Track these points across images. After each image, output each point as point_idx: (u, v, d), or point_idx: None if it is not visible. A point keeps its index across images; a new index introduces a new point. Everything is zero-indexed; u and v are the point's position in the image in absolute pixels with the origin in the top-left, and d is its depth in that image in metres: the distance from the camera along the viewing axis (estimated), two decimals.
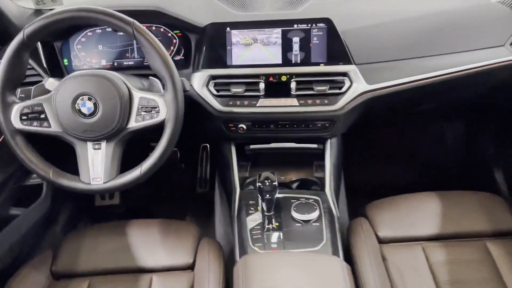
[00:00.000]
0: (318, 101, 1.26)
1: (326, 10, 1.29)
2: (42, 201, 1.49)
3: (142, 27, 1.03)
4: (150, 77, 1.19)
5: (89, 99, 1.03)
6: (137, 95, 1.06)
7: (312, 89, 1.25)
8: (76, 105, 1.03)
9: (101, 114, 1.03)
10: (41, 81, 1.22)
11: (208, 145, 1.98)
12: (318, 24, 1.25)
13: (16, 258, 1.38)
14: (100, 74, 1.05)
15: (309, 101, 1.26)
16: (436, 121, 1.88)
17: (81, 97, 1.03)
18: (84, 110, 1.03)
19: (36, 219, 1.46)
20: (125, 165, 1.12)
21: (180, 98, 1.05)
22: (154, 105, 1.05)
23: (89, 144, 1.07)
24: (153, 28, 1.35)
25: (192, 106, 1.28)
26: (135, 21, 1.03)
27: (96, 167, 1.07)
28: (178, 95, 1.04)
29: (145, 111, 1.06)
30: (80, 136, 1.06)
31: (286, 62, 1.27)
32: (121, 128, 1.06)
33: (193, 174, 2.00)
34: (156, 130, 1.09)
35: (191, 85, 1.28)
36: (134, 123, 1.06)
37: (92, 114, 1.04)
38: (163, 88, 1.09)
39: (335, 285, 0.92)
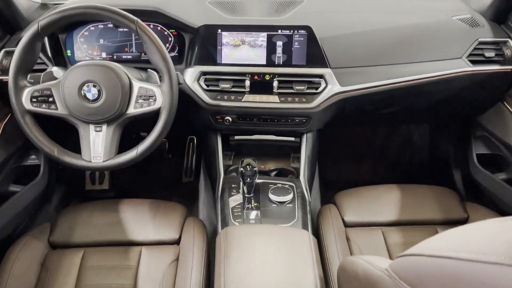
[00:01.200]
0: (297, 99, 1.41)
1: (307, 19, 1.45)
2: (39, 180, 1.60)
3: (145, 25, 1.17)
4: (148, 69, 1.32)
5: (94, 86, 1.17)
6: (136, 84, 1.20)
7: (292, 88, 1.41)
8: (82, 91, 1.16)
9: (104, 100, 1.17)
10: (46, 69, 1.35)
11: (194, 137, 2.13)
12: (299, 31, 1.40)
13: (14, 230, 1.50)
14: (105, 64, 1.18)
15: (289, 99, 1.41)
16: (404, 123, 2.07)
17: (86, 84, 1.17)
18: (89, 95, 1.17)
19: (33, 197, 1.58)
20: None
21: (175, 89, 1.19)
22: (152, 94, 1.19)
23: (92, 126, 1.20)
24: (151, 26, 1.48)
25: (183, 99, 1.42)
26: (138, 20, 1.17)
27: (97, 147, 1.20)
28: (173, 86, 1.19)
29: (143, 99, 1.20)
30: (84, 119, 1.19)
31: (270, 63, 1.42)
32: (121, 113, 1.19)
33: (179, 164, 2.14)
34: (151, 118, 1.22)
35: (184, 80, 1.42)
36: (133, 110, 1.20)
37: (96, 100, 1.17)
38: (160, 80, 1.23)
39: (302, 250, 1.07)
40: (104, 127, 1.20)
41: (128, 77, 1.20)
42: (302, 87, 1.40)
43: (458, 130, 1.83)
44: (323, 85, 1.40)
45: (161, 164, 2.13)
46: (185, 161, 2.13)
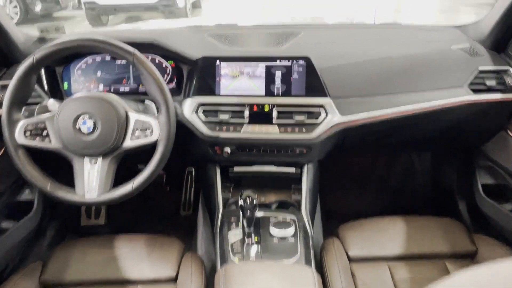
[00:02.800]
0: (297, 130, 1.39)
1: (306, 49, 1.45)
2: (32, 216, 1.55)
3: (142, 56, 1.16)
4: (146, 100, 1.30)
5: (90, 118, 1.14)
6: (133, 116, 1.18)
7: (291, 118, 1.38)
8: (77, 124, 1.14)
9: (100, 132, 1.14)
10: (41, 102, 1.33)
11: (193, 170, 2.09)
12: (298, 61, 1.39)
13: (4, 269, 1.43)
14: (100, 96, 1.16)
15: (289, 129, 1.39)
16: (405, 152, 2.04)
17: (82, 116, 1.14)
18: (84, 128, 1.14)
19: (25, 234, 1.52)
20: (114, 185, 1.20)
21: (172, 121, 1.17)
22: (148, 126, 1.16)
23: (86, 160, 1.17)
24: (149, 58, 1.48)
25: (181, 130, 1.39)
26: (136, 51, 1.15)
27: (91, 181, 1.16)
28: (171, 118, 1.16)
29: (140, 131, 1.17)
30: (79, 152, 1.16)
31: (269, 93, 1.40)
32: (117, 146, 1.16)
33: (177, 197, 2.09)
34: (148, 151, 1.19)
35: (182, 111, 1.40)
36: (129, 142, 1.17)
37: (91, 132, 1.14)
38: (157, 112, 1.20)
39: None
40: (99, 160, 1.17)
41: (124, 109, 1.18)
42: (302, 118, 1.38)
43: (461, 159, 1.80)
44: (323, 115, 1.38)
45: (159, 197, 2.08)
46: (183, 194, 2.08)
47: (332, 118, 1.37)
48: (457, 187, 1.82)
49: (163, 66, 1.48)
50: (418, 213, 1.47)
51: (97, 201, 1.16)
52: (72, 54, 1.32)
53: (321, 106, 1.38)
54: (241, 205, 1.25)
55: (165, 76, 1.49)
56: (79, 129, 1.14)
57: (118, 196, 1.16)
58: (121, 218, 2.04)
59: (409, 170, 2.09)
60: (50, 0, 8.91)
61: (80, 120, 1.14)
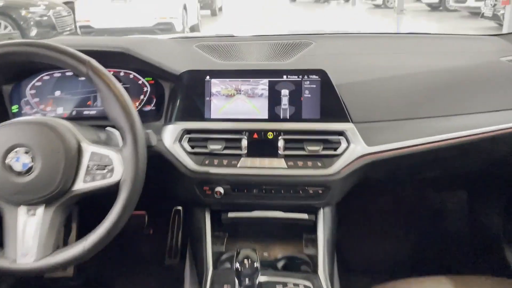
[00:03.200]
0: (309, 164, 1.07)
1: (320, 62, 1.15)
2: None
3: (99, 66, 0.85)
4: (108, 127, 0.99)
5: (26, 152, 0.82)
6: (88, 149, 0.86)
7: (303, 149, 1.07)
8: (7, 160, 0.81)
9: (40, 171, 0.82)
10: None
11: (181, 209, 1.75)
12: (310, 76, 1.09)
13: None
14: (41, 121, 0.84)
15: (299, 163, 1.07)
16: (439, 189, 1.70)
17: (14, 150, 0.82)
18: (17, 166, 0.81)
19: None
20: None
21: (141, 155, 0.85)
22: (108, 163, 0.84)
23: (22, 209, 0.84)
24: (122, 73, 1.17)
25: (160, 164, 1.08)
26: (92, 60, 0.85)
27: (28, 239, 0.83)
28: (138, 150, 0.84)
29: (97, 169, 0.85)
30: (10, 199, 0.83)
31: (273, 117, 1.10)
32: (64, 190, 0.84)
33: (162, 241, 1.74)
34: (112, 194, 0.87)
35: (160, 139, 1.09)
36: (81, 184, 0.85)
37: (27, 172, 0.82)
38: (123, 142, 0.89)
39: None
40: (40, 210, 0.84)
41: (77, 139, 0.86)
42: (317, 148, 1.06)
43: (508, 198, 1.47)
44: (343, 144, 1.06)
45: (139, 242, 1.74)
46: (169, 238, 1.73)
47: (355, 148, 1.06)
48: (504, 234, 1.48)
49: (139, 83, 1.18)
50: (455, 264, 1.13)
51: (33, 268, 0.83)
52: (18, 67, 1.01)
53: (341, 133, 1.07)
54: (237, 269, 0.91)
55: (142, 96, 1.18)
56: (10, 167, 0.82)
57: (64, 261, 0.83)
58: (93, 269, 1.68)
59: (439, 212, 1.74)
60: (46, 25, 8.75)
61: (11, 155, 0.82)
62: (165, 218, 1.76)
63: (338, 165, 1.06)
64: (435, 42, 1.35)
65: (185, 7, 7.88)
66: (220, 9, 14.65)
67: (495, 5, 8.25)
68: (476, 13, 9.46)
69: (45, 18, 8.40)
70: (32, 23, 8.16)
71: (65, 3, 8.48)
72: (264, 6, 16.55)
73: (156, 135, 1.03)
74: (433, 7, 12.37)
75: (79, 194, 0.85)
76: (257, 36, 1.44)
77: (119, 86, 0.85)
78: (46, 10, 8.08)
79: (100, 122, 1.10)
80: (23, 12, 8.06)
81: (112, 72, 1.16)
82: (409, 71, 1.15)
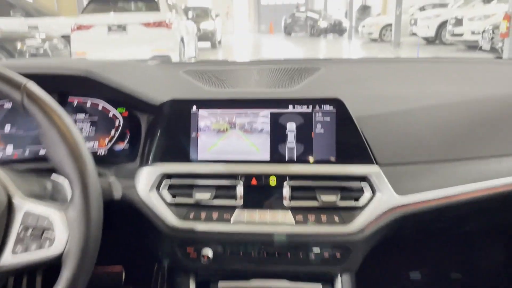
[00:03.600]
0: (324, 218, 0.83)
1: (333, 89, 0.93)
2: None
3: (37, 91, 0.62)
4: (53, 175, 0.75)
5: None
6: (21, 206, 0.62)
7: (315, 199, 0.83)
8: None
9: None
10: None
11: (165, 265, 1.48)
12: (323, 106, 0.87)
13: None
14: None
15: (311, 218, 0.83)
16: (469, 244, 1.44)
17: None
18: None
19: None
20: None
21: (94, 216, 0.61)
22: (47, 226, 0.60)
23: None
24: (88, 103, 0.95)
25: (130, 219, 0.84)
26: (30, 83, 0.62)
27: None
28: (90, 209, 0.60)
29: (32, 236, 0.60)
30: None
31: (277, 157, 0.87)
32: None
33: None
34: (54, 269, 0.62)
35: (133, 186, 0.85)
36: (9, 257, 0.60)
37: None
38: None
39: None
40: None
41: (7, 191, 0.62)
42: (333, 198, 0.82)
43: None
44: (367, 193, 0.83)
45: None
46: None
47: (382, 198, 0.82)
48: None
49: (110, 115, 0.95)
50: None
51: None
52: None
53: (364, 178, 0.84)
54: None
55: (113, 131, 0.95)
56: None
57: None
58: None
59: (473, 270, 1.47)
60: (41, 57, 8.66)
61: None
62: (147, 275, 1.48)
63: (361, 221, 0.82)
64: (465, 68, 1.14)
65: (182, 40, 7.81)
66: (220, 42, 14.74)
67: (492, 38, 8.24)
68: (473, 47, 9.45)
69: (41, 50, 8.32)
70: (27, 55, 8.06)
71: (64, 36, 8.41)
72: (261, 39, 16.70)
73: (123, 183, 0.80)
74: (429, 41, 12.45)
75: (7, 271, 0.60)
76: (256, 61, 1.23)
77: (64, 117, 0.63)
78: (42, 43, 8.00)
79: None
80: (19, 45, 7.96)
81: (75, 102, 0.94)
82: (443, 101, 0.93)
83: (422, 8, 13.82)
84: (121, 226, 0.99)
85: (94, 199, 0.61)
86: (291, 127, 0.87)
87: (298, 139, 0.87)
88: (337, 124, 0.86)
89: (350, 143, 0.85)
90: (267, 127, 0.88)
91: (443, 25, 11.42)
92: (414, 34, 13.43)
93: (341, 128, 0.86)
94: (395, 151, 0.87)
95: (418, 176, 0.85)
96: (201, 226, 0.84)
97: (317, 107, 0.87)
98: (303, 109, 0.87)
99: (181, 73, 1.06)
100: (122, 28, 7.15)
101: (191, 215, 0.85)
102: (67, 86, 0.86)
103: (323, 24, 13.61)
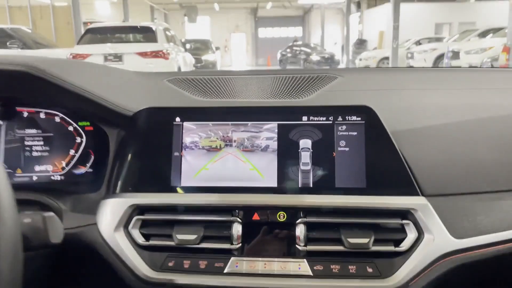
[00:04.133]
0: (352, 269, 0.60)
1: (358, 98, 0.73)
2: None
3: None
4: None
5: None
6: None
7: (339, 241, 0.61)
8: None
9: None
10: None
11: None
12: (348, 117, 0.65)
13: None
14: None
15: (335, 268, 0.60)
16: None
17: None
18: None
19: None
20: None
21: (3, 273, 0.38)
22: None
23: None
24: (42, 116, 0.73)
25: (93, 268, 0.62)
26: None
27: None
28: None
29: None
30: None
31: (287, 185, 0.65)
32: None
33: None
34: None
35: (95, 223, 0.63)
36: None
37: None
38: None
39: None
40: None
41: None
42: (364, 240, 0.60)
43: None
44: (411, 235, 0.61)
45: None
46: None
47: (432, 241, 0.60)
48: None
49: (70, 130, 0.73)
50: None
51: None
52: None
53: (406, 214, 0.61)
54: None
55: (72, 151, 0.73)
56: None
57: None
58: None
59: None
60: None
61: None
62: None
63: (405, 272, 0.60)
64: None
65: (179, 69, 7.72)
66: None
67: (492, 66, 8.23)
68: None
69: None
70: None
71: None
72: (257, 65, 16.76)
73: (82, 218, 0.58)
74: None
75: None
76: (258, 71, 1.02)
77: None
78: None
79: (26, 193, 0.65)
80: None
81: (25, 113, 0.73)
82: (503, 112, 0.72)
83: (418, 42, 13.95)
84: (81, 281, 0.76)
85: (6, 244, 0.38)
86: (305, 144, 0.66)
87: (315, 160, 0.65)
88: (367, 140, 0.65)
89: (386, 165, 0.64)
90: (274, 145, 0.66)
91: (439, 58, 11.47)
92: (411, 67, 13.50)
93: (372, 146, 0.64)
94: (446, 178, 0.65)
95: (478, 212, 0.63)
96: (184, 279, 0.61)
97: (340, 118, 0.66)
98: (321, 120, 0.66)
99: (164, 81, 0.85)
100: (118, 57, 7.06)
101: (171, 263, 0.63)
102: (9, 89, 0.65)
103: (315, 57, 13.75)
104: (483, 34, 10.90)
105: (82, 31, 7.89)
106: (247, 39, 21.80)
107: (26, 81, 0.63)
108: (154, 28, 7.46)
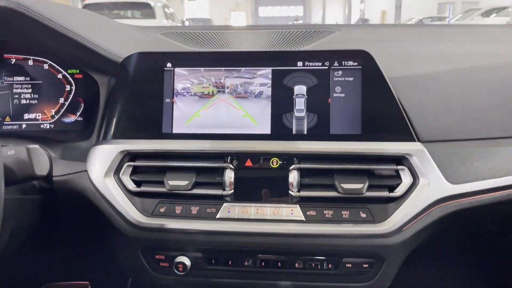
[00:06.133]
0: (345, 214, 0.59)
1: (357, 44, 0.70)
2: None
3: None
4: None
5: None
6: None
7: (332, 187, 0.60)
8: None
9: None
10: None
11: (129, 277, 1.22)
12: (345, 62, 0.64)
13: None
14: None
15: (327, 213, 0.60)
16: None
17: None
18: None
19: None
20: None
21: None
22: None
23: None
24: (30, 63, 0.71)
25: (85, 215, 0.61)
26: None
27: None
28: None
29: None
30: None
31: (281, 131, 0.64)
32: None
33: None
34: None
35: (85, 170, 0.62)
36: None
37: None
38: None
39: None
40: None
41: None
42: (358, 186, 0.59)
43: None
44: (406, 180, 0.60)
45: None
46: None
47: (428, 186, 0.59)
48: None
49: (59, 77, 0.72)
50: None
51: None
52: None
53: (401, 160, 0.60)
54: None
55: (61, 99, 0.72)
56: None
57: None
58: None
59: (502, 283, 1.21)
60: None
61: None
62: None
63: (398, 217, 0.59)
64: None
65: None
66: None
67: None
68: None
69: None
70: None
71: None
72: None
73: (72, 166, 0.57)
74: None
75: None
76: (255, 26, 0.99)
77: None
78: None
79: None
80: None
81: (13, 60, 0.71)
82: (501, 60, 0.70)
83: (420, 22, 13.80)
84: (74, 227, 0.75)
85: None
86: (300, 90, 0.64)
87: (310, 106, 0.64)
88: (364, 86, 0.63)
89: (382, 111, 0.62)
90: (268, 91, 0.65)
91: None
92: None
93: (369, 91, 0.63)
94: (443, 124, 0.64)
95: (475, 158, 0.62)
96: (175, 224, 0.61)
97: (336, 63, 0.64)
98: (317, 65, 0.64)
99: (157, 34, 0.83)
100: None
101: (162, 209, 0.62)
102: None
103: None
104: (487, 14, 10.76)
105: (80, 7, 7.77)
106: (247, 18, 21.51)
107: (10, 19, 0.61)
108: (152, 5, 7.35)
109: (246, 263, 0.62)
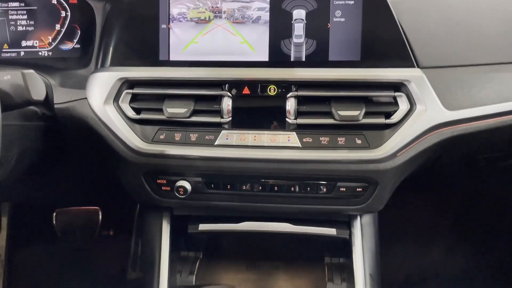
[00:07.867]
0: (341, 140, 0.61)
1: None
2: None
3: None
4: None
5: None
6: None
7: (329, 114, 0.61)
8: None
9: None
10: None
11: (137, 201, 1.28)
12: None
13: None
14: None
15: (324, 140, 0.61)
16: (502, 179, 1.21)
17: None
18: None
19: None
20: None
21: None
22: None
23: None
24: None
25: (88, 143, 0.63)
26: None
27: None
28: None
29: None
30: None
31: (278, 58, 0.64)
32: None
33: (123, 249, 1.28)
34: None
35: (85, 98, 0.63)
36: None
37: None
38: None
39: None
40: None
41: None
42: (354, 113, 0.60)
43: None
44: (403, 107, 0.60)
45: (94, 247, 1.28)
46: (133, 244, 1.27)
47: (424, 112, 0.60)
48: None
49: (53, 3, 0.70)
50: None
51: None
52: None
53: (399, 86, 0.60)
54: None
55: (57, 25, 0.71)
56: None
57: None
58: (31, 284, 1.23)
59: (499, 210, 1.25)
60: None
61: None
62: (128, 216, 1.30)
63: (393, 143, 0.60)
64: None
65: None
66: None
67: None
68: None
69: None
70: None
71: None
72: None
73: (71, 93, 0.58)
74: None
75: None
76: None
77: None
78: None
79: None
80: None
81: None
82: None
83: None
84: (78, 153, 0.78)
85: None
86: (299, 14, 0.63)
87: (309, 32, 0.62)
88: (365, 10, 0.61)
89: (382, 36, 0.61)
90: (266, 16, 0.63)
91: None
92: None
93: (370, 16, 0.61)
94: (444, 49, 0.63)
95: (474, 84, 0.61)
96: (175, 150, 0.63)
97: None
98: None
99: None
100: None
101: (162, 136, 0.64)
102: None
103: None
104: None
105: None
106: None
107: None
108: None
109: (244, 187, 0.65)
